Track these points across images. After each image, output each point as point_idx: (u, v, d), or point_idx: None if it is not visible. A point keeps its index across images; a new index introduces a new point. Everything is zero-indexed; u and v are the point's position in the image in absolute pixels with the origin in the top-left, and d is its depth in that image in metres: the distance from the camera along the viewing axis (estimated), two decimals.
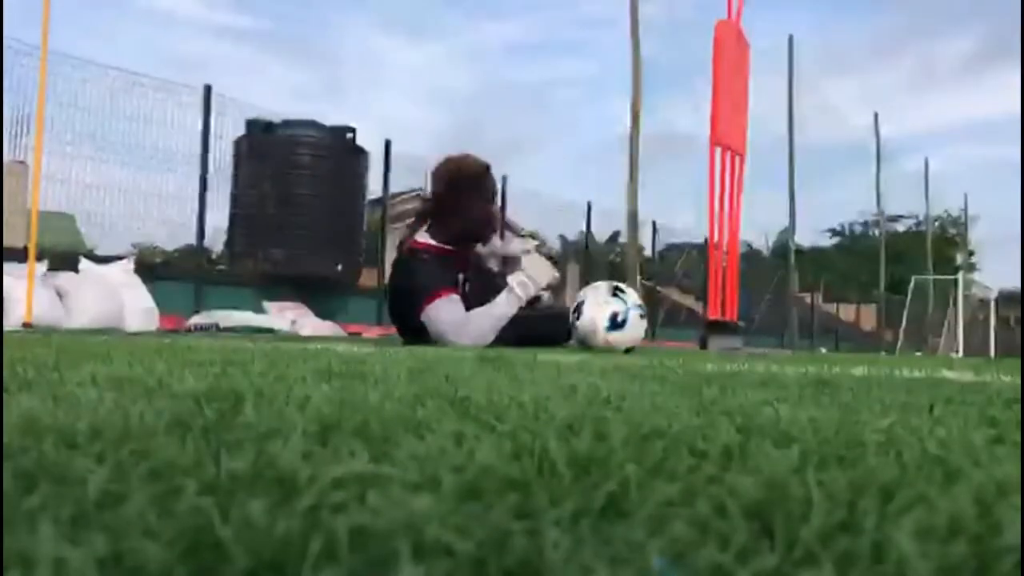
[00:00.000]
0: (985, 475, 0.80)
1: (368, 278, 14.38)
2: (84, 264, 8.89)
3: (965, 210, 37.29)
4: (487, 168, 5.57)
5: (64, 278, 8.56)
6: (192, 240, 12.14)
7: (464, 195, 5.43)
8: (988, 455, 0.95)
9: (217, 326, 9.77)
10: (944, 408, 1.58)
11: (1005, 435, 1.16)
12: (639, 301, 5.39)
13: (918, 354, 21.51)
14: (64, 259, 8.95)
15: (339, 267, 12.61)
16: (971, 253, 40.93)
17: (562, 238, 25.57)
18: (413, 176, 15.76)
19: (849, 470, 0.83)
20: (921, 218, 33.08)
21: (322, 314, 11.88)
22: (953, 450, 0.97)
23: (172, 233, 12.46)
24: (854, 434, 1.08)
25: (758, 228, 33.91)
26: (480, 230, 5.59)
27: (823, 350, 21.62)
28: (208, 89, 11.72)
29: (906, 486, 0.75)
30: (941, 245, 36.97)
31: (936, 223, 36.05)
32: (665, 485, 0.71)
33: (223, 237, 12.80)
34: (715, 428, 1.04)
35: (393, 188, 15.00)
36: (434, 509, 0.60)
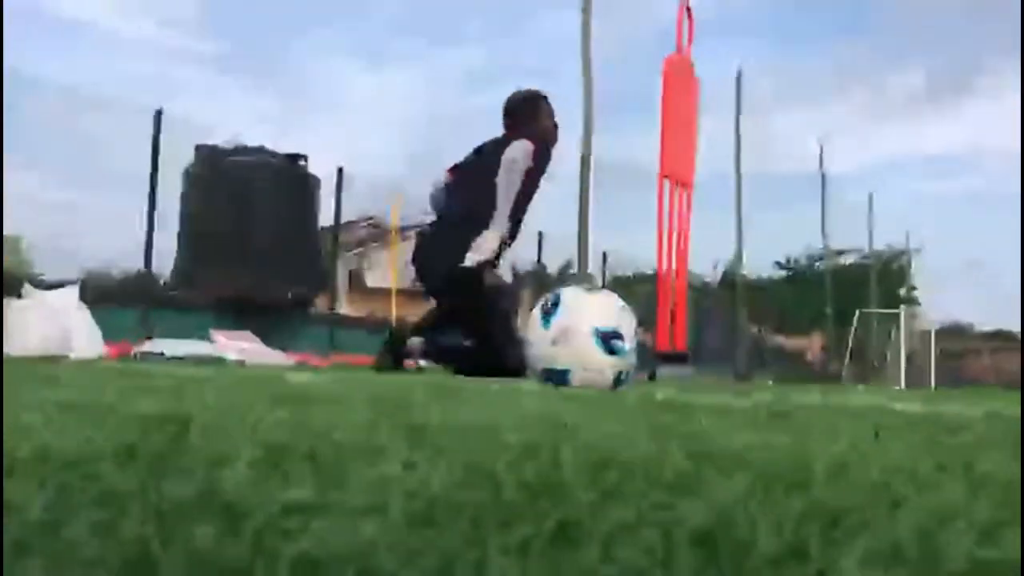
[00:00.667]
0: (928, 502, 0.82)
1: (320, 305, 14.27)
2: (27, 289, 8.70)
3: (907, 245, 38.10)
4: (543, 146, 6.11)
5: (7, 303, 8.37)
6: (140, 265, 11.95)
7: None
8: (931, 483, 0.97)
9: (164, 354, 9.62)
10: (890, 437, 1.60)
11: (947, 463, 1.18)
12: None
13: (862, 386, 21.83)
14: (7, 283, 8.75)
15: (290, 294, 12.51)
16: (913, 287, 41.74)
17: (513, 267, 25.60)
18: (368, 203, 15.73)
19: (797, 496, 0.83)
20: (866, 251, 33.72)
21: (273, 343, 11.74)
22: (898, 478, 0.99)
23: (120, 258, 12.26)
24: (802, 461, 1.09)
25: (707, 259, 34.31)
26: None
27: (771, 380, 21.85)
28: (159, 113, 11.61)
29: (852, 512, 0.76)
30: (885, 278, 37.64)
31: (881, 257, 36.75)
32: (616, 511, 0.71)
33: (172, 263, 12.62)
34: (668, 455, 1.05)
35: (346, 216, 14.93)
36: (382, 536, 0.60)
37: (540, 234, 18.93)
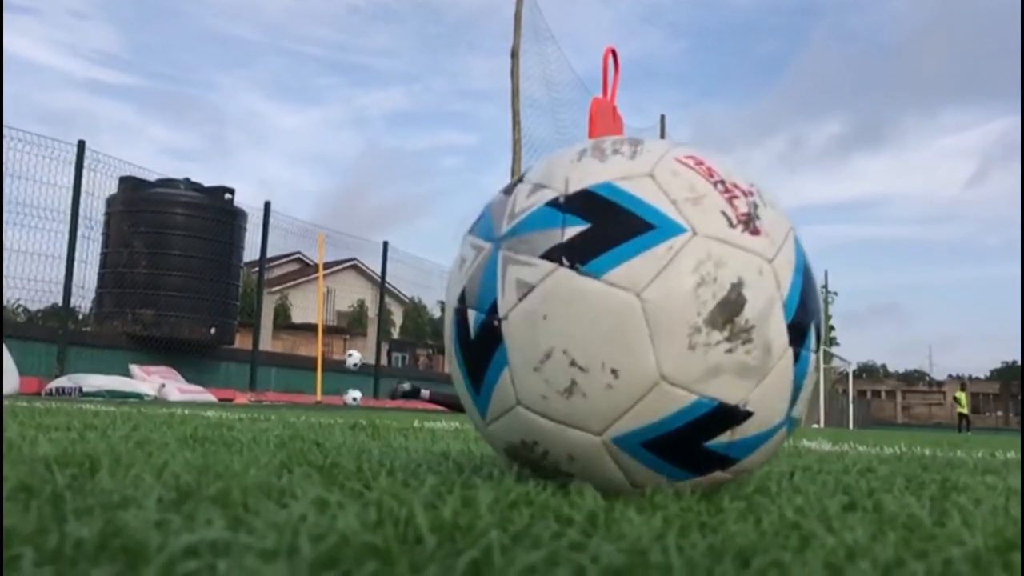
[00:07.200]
0: (837, 540, 0.83)
1: (243, 342, 14.03)
2: None
3: (826, 286, 39.00)
4: None
5: None
6: (58, 299, 11.60)
7: None
8: (840, 521, 0.99)
9: (80, 390, 9.35)
10: (802, 476, 1.63)
11: (858, 502, 1.20)
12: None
13: None
14: None
15: (212, 330, 12.28)
16: (831, 328, 42.71)
17: (442, 304, 25.55)
18: (292, 239, 15.58)
19: (709, 536, 0.84)
20: None
21: (193, 378, 11.51)
22: (808, 516, 1.00)
23: (37, 292, 11.85)
24: (716, 501, 1.10)
25: None
26: None
27: None
28: (82, 145, 11.37)
29: (762, 551, 0.76)
30: None
31: None
32: (528, 552, 0.71)
33: (91, 297, 12.30)
34: (582, 495, 1.05)
35: (271, 251, 14.75)
36: None
37: None
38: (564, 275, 1.12)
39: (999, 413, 59.10)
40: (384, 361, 20.47)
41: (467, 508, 0.91)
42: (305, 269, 29.66)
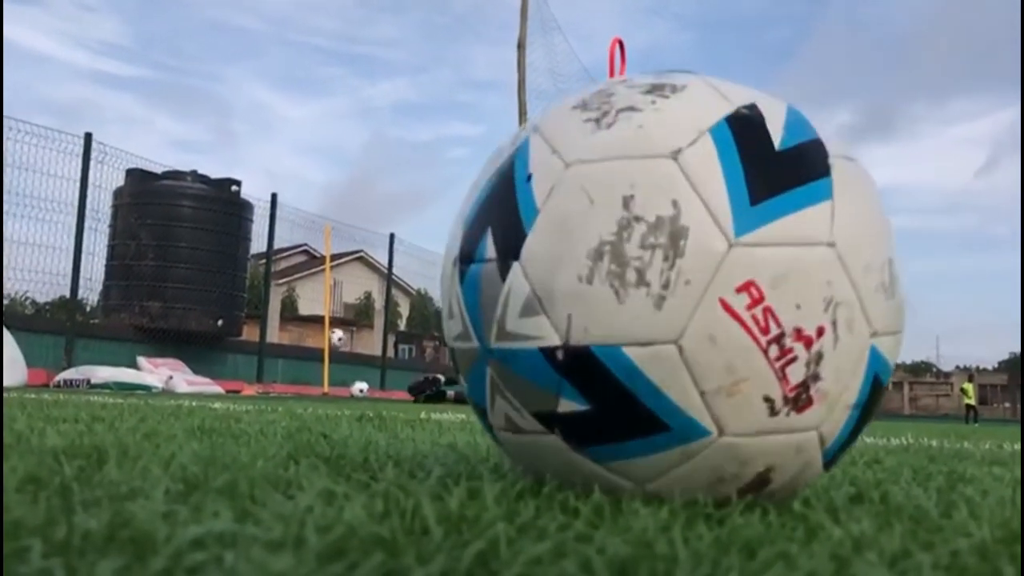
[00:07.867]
0: (843, 532, 0.83)
1: (250, 333, 14.06)
2: None
3: None
4: None
5: None
6: (66, 292, 11.63)
7: None
8: (847, 513, 0.99)
9: (87, 382, 9.39)
10: None
11: (864, 493, 1.20)
12: None
13: None
14: None
15: (219, 322, 12.31)
16: None
17: None
18: (299, 231, 15.61)
19: (715, 528, 0.84)
20: None
21: (200, 370, 11.55)
22: (815, 508, 1.00)
23: (45, 284, 11.89)
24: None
25: None
26: None
27: None
28: (88, 137, 11.38)
29: (768, 543, 0.76)
30: None
31: None
32: (534, 544, 0.71)
33: (99, 289, 12.34)
34: (588, 486, 1.05)
35: (278, 243, 14.78)
36: (294, 569, 0.59)
37: None
38: (559, 444, 1.00)
39: (1007, 404, 58.87)
40: (391, 353, 20.50)
41: (473, 500, 0.92)
42: (312, 261, 29.68)
